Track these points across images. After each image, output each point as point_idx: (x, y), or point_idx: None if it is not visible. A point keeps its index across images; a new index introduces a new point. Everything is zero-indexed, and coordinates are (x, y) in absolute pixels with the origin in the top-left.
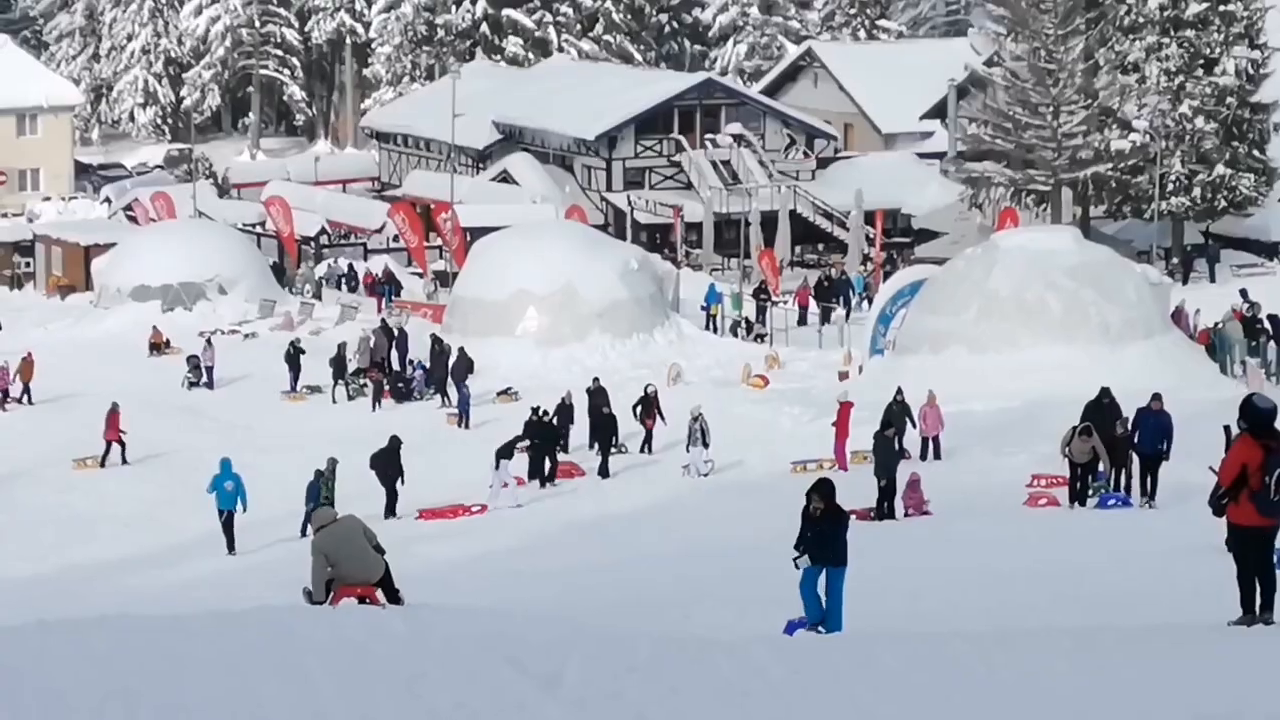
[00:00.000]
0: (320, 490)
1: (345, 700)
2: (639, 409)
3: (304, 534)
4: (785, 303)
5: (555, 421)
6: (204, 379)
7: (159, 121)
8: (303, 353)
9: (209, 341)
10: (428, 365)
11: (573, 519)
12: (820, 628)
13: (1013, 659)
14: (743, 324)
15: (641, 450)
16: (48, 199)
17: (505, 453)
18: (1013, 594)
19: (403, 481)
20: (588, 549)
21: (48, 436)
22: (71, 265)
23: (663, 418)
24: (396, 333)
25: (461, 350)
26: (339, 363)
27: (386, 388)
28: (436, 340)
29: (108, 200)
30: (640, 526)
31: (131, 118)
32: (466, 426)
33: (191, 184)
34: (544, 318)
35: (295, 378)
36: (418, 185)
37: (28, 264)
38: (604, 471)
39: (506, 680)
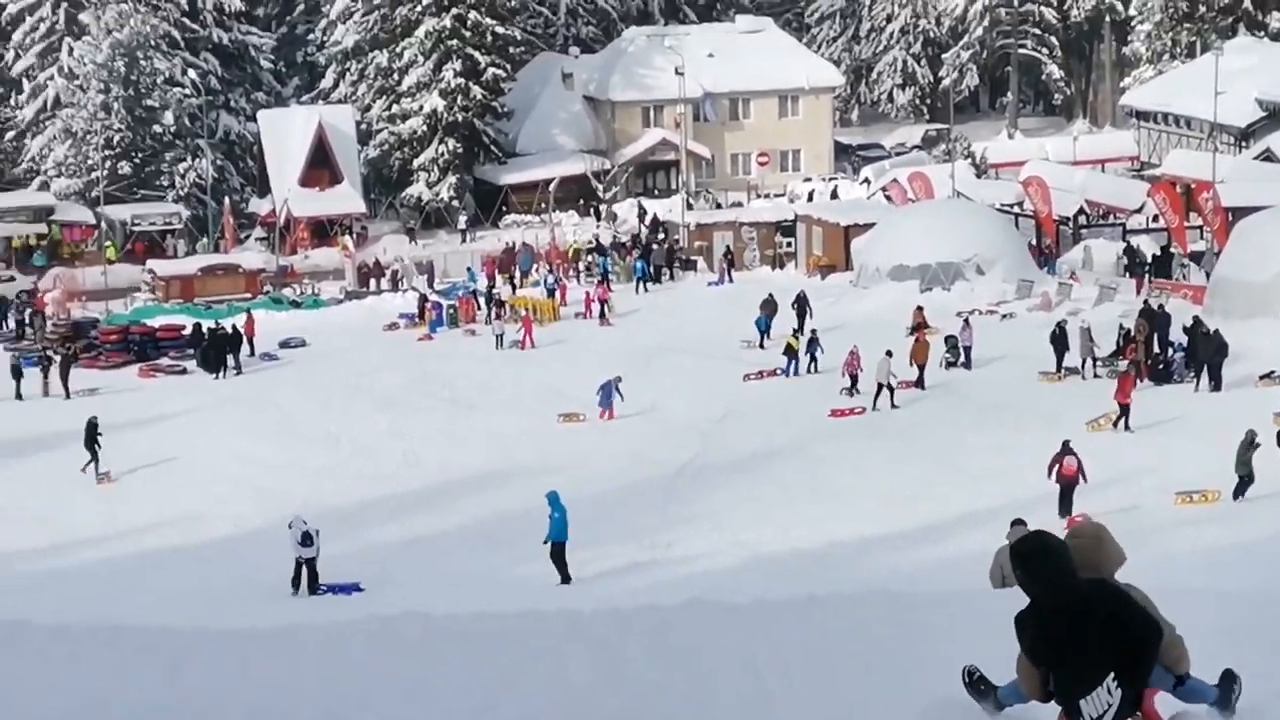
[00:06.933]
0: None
1: None
2: None
3: None
4: None
5: None
6: (962, 359)
7: (917, 102)
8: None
9: (966, 321)
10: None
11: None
12: None
13: None
14: None
15: None
16: (808, 180)
17: None
18: None
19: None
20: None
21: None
22: (831, 245)
23: None
24: (1158, 313)
25: (1216, 332)
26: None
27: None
28: (1197, 322)
29: (867, 180)
30: None
31: (890, 98)
32: None
33: (949, 164)
34: None
35: (1060, 359)
36: (1177, 164)
37: (789, 244)
38: None
39: None
